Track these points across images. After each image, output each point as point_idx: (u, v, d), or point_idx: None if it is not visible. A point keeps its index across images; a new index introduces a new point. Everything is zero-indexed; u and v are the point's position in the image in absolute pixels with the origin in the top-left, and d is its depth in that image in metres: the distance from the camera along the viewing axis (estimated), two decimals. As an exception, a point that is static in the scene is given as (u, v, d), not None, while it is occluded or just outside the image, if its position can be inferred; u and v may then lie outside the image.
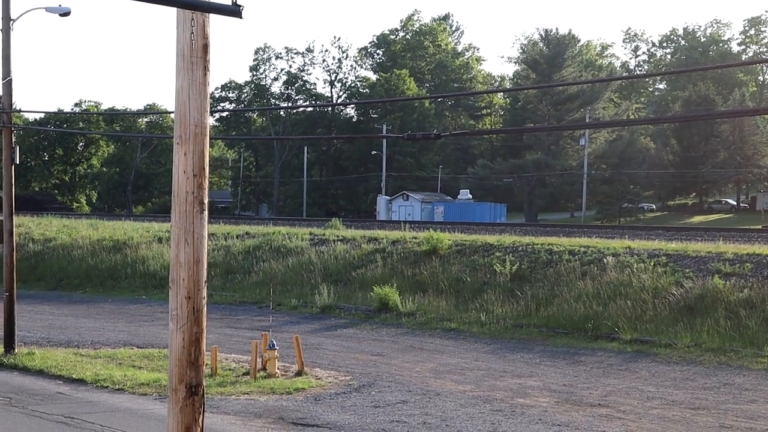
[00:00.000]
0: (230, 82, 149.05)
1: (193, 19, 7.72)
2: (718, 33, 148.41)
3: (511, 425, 17.96)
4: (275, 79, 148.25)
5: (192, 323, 7.77)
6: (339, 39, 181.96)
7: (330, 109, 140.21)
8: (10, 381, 23.17)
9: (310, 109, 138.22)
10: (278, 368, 23.48)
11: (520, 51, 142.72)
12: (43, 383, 22.85)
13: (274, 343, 23.32)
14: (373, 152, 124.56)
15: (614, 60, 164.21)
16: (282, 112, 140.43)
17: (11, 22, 26.87)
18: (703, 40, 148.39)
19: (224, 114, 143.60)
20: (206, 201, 7.84)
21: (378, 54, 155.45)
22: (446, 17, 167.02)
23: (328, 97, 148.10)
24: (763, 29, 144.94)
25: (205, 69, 7.83)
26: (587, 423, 18.22)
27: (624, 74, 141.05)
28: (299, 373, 23.61)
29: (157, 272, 45.58)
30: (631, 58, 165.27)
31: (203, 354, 7.91)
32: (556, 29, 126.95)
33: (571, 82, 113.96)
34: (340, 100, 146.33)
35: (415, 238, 41.85)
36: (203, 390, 7.90)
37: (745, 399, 20.88)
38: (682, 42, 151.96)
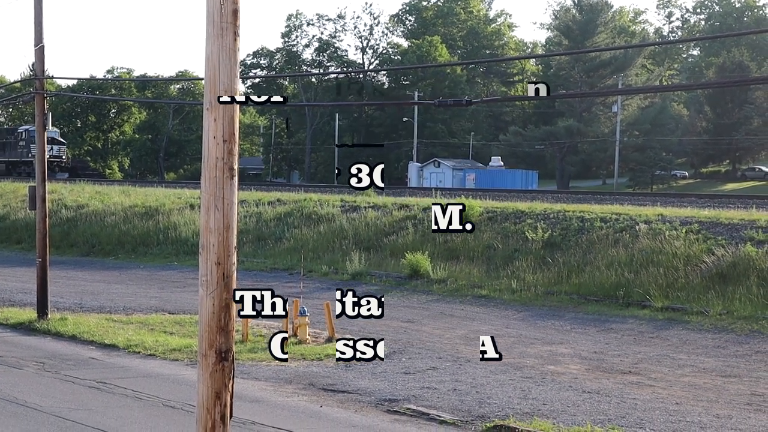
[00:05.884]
0: (262, 49, 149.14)
1: (222, -16, 7.68)
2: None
3: (542, 392, 17.96)
4: (307, 45, 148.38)
5: (222, 289, 7.78)
6: (371, 5, 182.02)
7: (361, 75, 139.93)
8: (43, 346, 23.36)
9: (341, 75, 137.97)
10: (309, 335, 23.55)
11: (553, 17, 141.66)
12: (76, 348, 23.02)
13: (305, 309, 23.37)
14: (405, 119, 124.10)
15: (647, 26, 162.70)
16: (313, 79, 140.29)
17: (43, -12, 26.89)
18: (737, 5, 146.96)
19: (255, 80, 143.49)
20: (236, 167, 7.82)
21: (409, 20, 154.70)
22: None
23: (359, 63, 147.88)
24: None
25: (235, 34, 7.79)
26: (618, 390, 18.19)
27: (657, 40, 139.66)
28: (330, 340, 23.68)
29: (189, 239, 45.77)
30: (664, 25, 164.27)
31: (233, 320, 7.92)
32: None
33: (603, 48, 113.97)
34: (371, 67, 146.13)
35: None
36: (233, 356, 7.91)
37: (778, 367, 20.81)
38: (717, 8, 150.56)
